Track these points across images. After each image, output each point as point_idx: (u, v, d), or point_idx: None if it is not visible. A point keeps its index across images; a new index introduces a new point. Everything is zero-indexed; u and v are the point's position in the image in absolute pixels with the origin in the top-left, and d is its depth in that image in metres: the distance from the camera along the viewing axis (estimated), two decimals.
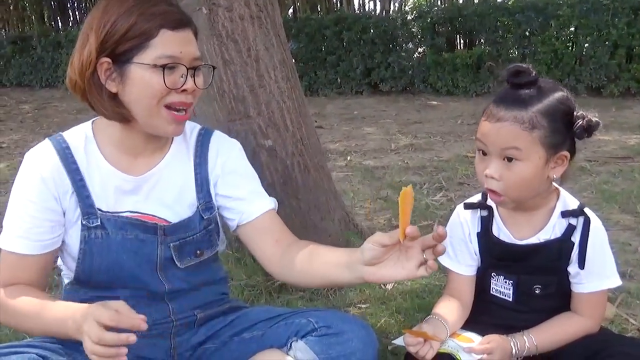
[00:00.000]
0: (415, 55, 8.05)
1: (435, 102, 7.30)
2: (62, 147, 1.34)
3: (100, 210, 1.34)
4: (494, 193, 1.35)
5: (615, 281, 1.42)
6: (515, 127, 1.28)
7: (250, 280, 2.24)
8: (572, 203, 1.43)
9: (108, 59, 1.24)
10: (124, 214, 1.36)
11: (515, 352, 1.37)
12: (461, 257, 1.52)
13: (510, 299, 1.47)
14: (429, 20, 7.76)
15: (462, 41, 8.16)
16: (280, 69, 2.19)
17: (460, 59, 7.40)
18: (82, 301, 1.29)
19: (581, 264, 1.37)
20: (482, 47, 7.55)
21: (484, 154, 1.36)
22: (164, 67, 1.23)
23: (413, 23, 7.85)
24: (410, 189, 1.17)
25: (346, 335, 1.32)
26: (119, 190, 1.36)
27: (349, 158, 4.63)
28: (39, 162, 1.32)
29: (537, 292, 1.44)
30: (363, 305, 2.15)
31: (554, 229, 1.42)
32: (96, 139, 1.37)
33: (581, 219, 1.39)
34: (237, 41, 2.09)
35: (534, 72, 1.32)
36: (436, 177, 3.90)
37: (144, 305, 1.35)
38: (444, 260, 1.52)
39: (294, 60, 2.35)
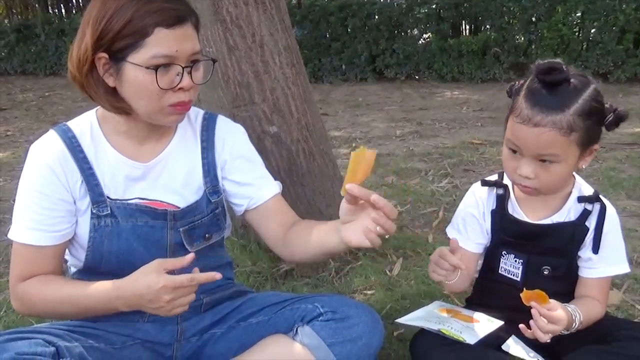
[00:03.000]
0: (420, 42, 7.99)
1: (440, 89, 7.26)
2: (69, 137, 1.33)
3: (109, 198, 1.34)
4: (527, 188, 1.36)
5: (625, 267, 1.43)
6: (554, 132, 1.26)
7: (256, 266, 2.24)
8: (588, 190, 1.44)
9: (105, 55, 1.22)
10: (133, 201, 1.36)
11: (578, 323, 1.32)
12: (472, 234, 1.53)
13: (518, 279, 1.47)
14: (434, 6, 7.70)
15: (467, 27, 8.11)
16: (285, 55, 2.17)
17: (465, 45, 7.35)
18: None
19: (595, 248, 1.38)
20: (488, 32, 7.50)
21: (514, 151, 1.34)
22: (156, 68, 1.21)
23: (418, 9, 7.79)
24: (369, 153, 1.14)
25: (352, 320, 1.33)
26: (128, 178, 1.36)
27: (354, 145, 4.61)
28: (46, 152, 1.31)
29: (545, 273, 1.44)
30: (369, 292, 2.15)
31: (569, 212, 1.42)
32: (102, 128, 1.37)
33: (597, 205, 1.40)
34: (242, 27, 2.07)
35: (565, 68, 1.28)
36: (441, 163, 3.89)
37: None
38: (452, 233, 1.54)
39: (298, 47, 2.33)
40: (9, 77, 10.87)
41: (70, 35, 10.02)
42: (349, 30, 8.12)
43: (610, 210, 1.41)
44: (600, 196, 1.42)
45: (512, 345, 1.39)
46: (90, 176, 1.32)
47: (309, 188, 2.29)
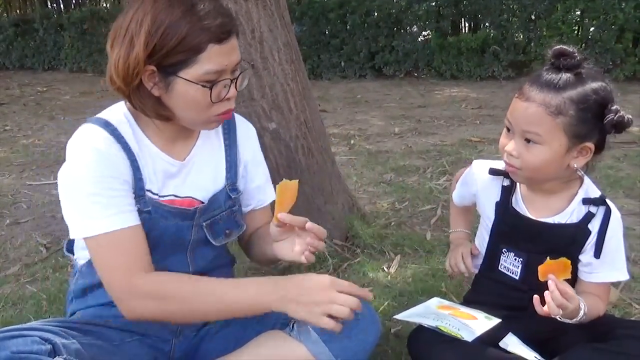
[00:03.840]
0: (419, 39, 7.98)
1: (439, 86, 7.25)
2: (111, 129, 1.29)
3: (150, 192, 1.33)
4: (510, 166, 1.38)
5: (624, 275, 1.42)
6: (541, 109, 1.27)
7: (254, 263, 2.24)
8: (595, 192, 1.43)
9: (153, 67, 1.21)
10: (167, 199, 1.36)
11: (583, 313, 1.31)
12: (460, 190, 1.69)
13: (517, 277, 1.48)
14: (433, 4, 7.69)
15: (466, 25, 8.10)
16: (285, 52, 2.17)
17: (464, 42, 7.34)
18: (98, 283, 1.32)
19: (597, 253, 1.37)
20: (487, 30, 7.49)
21: (509, 130, 1.37)
22: (211, 86, 1.22)
23: (417, 6, 7.78)
24: (293, 184, 1.33)
25: None
26: (165, 174, 1.37)
27: (352, 142, 4.61)
28: (92, 140, 1.25)
29: None
30: (366, 288, 2.14)
31: (572, 214, 1.42)
32: (138, 122, 1.35)
33: (602, 209, 1.39)
34: (241, 23, 2.07)
35: (578, 57, 1.28)
36: (440, 161, 3.89)
37: None
38: (454, 193, 1.71)
39: (297, 43, 2.33)
40: (7, 72, 10.86)
41: (68, 30, 10.02)
42: (348, 27, 8.11)
43: (615, 214, 1.40)
44: (607, 200, 1.41)
45: (510, 343, 1.39)
46: (136, 169, 1.30)
47: (308, 185, 2.29)
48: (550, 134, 1.29)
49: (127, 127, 1.32)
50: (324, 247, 1.36)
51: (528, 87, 1.32)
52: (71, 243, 1.48)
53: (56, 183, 3.80)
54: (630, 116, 1.29)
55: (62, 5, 11.68)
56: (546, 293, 1.25)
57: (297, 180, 1.33)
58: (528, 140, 1.32)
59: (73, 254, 1.47)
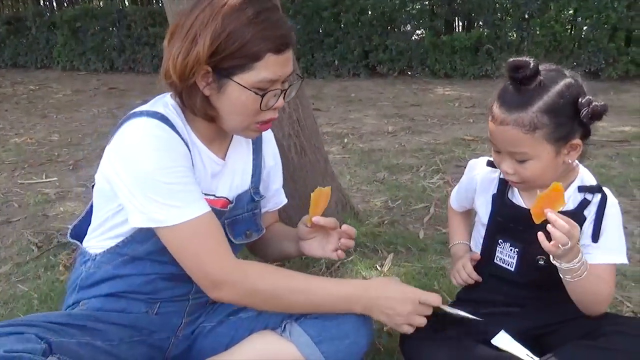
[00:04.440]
0: (413, 38, 7.99)
1: (432, 85, 7.26)
2: (169, 124, 1.27)
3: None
4: (513, 182, 1.40)
5: (622, 258, 1.41)
6: (517, 131, 1.29)
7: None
8: (591, 180, 1.44)
9: (209, 68, 1.22)
10: (208, 198, 1.35)
11: (582, 257, 1.29)
12: (458, 198, 1.69)
13: (513, 269, 1.48)
14: (427, 2, 7.69)
15: (460, 23, 8.11)
16: None
17: (458, 41, 7.35)
18: (113, 276, 1.34)
19: (595, 237, 1.37)
20: (481, 29, 7.50)
21: (497, 150, 1.39)
22: (263, 93, 1.24)
23: (411, 5, 7.78)
24: (327, 190, 1.46)
25: (340, 318, 1.33)
26: (212, 173, 1.38)
27: (345, 140, 4.61)
28: (156, 132, 1.24)
29: (540, 263, 1.44)
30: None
31: (567, 201, 1.41)
32: (185, 118, 1.34)
33: (598, 195, 1.40)
34: None
35: (532, 64, 1.28)
36: (433, 159, 3.89)
37: (173, 281, 1.37)
38: (452, 194, 1.72)
39: None
40: (0, 70, 10.79)
41: (61, 28, 9.95)
42: (342, 25, 8.09)
43: (612, 200, 1.41)
44: (603, 187, 1.42)
45: (502, 340, 1.40)
46: (191, 164, 1.31)
47: (300, 183, 2.28)
48: (535, 148, 1.30)
49: (179, 122, 1.31)
50: (353, 244, 1.49)
51: (497, 110, 1.33)
52: (80, 229, 1.47)
53: (48, 182, 3.76)
54: (603, 102, 1.28)
55: (54, 3, 11.61)
56: (549, 226, 1.23)
57: (330, 187, 1.47)
58: (519, 161, 1.34)
59: (80, 241, 1.45)
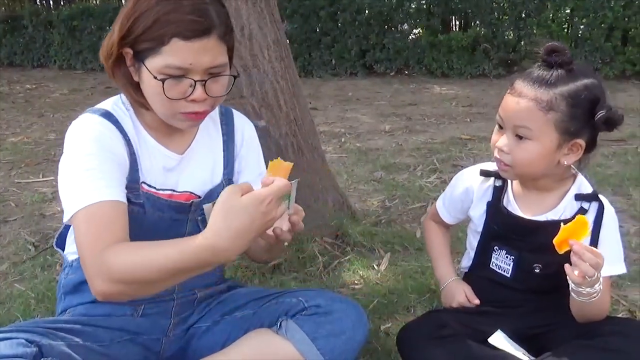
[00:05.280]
0: (410, 37, 7.99)
1: (430, 84, 7.27)
2: (113, 119, 1.28)
3: (146, 184, 1.32)
4: (501, 162, 1.38)
5: (621, 268, 1.41)
6: (533, 105, 1.28)
7: (244, 260, 2.24)
8: (587, 188, 1.43)
9: (131, 51, 1.22)
10: (165, 193, 1.35)
11: (600, 281, 1.27)
12: (453, 211, 1.63)
13: (509, 275, 1.48)
14: (424, 1, 7.70)
15: (457, 23, 8.12)
16: (274, 49, 2.17)
17: (455, 40, 7.36)
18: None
19: (593, 246, 1.34)
20: (478, 28, 7.51)
21: (501, 127, 1.37)
22: (164, 80, 1.18)
23: (408, 4, 7.78)
24: (287, 165, 1.22)
25: (336, 315, 1.33)
26: (165, 168, 1.36)
27: (342, 140, 4.61)
28: (94, 125, 1.25)
29: (536, 270, 1.44)
30: (356, 286, 2.15)
31: (564, 210, 1.42)
32: (136, 115, 1.34)
33: (595, 204, 1.40)
34: (230, 20, 2.06)
35: (569, 54, 1.29)
36: (430, 159, 3.89)
37: None
38: (439, 201, 1.66)
39: (288, 41, 2.32)
40: None
41: (58, 27, 9.94)
42: (339, 24, 8.10)
43: (608, 209, 1.40)
44: (600, 196, 1.41)
45: (499, 339, 1.40)
46: (134, 161, 1.29)
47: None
48: (541, 130, 1.29)
49: (127, 118, 1.31)
50: (302, 228, 1.26)
51: (520, 83, 1.33)
52: (62, 237, 1.47)
53: (45, 181, 3.75)
54: (621, 113, 1.29)
55: (51, 2, 11.59)
56: (574, 258, 1.22)
57: (292, 164, 1.25)
58: (519, 137, 1.32)
59: (63, 250, 1.45)
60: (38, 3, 11.69)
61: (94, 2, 11.26)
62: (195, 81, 1.20)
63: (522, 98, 1.30)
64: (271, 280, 2.19)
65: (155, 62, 1.19)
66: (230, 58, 1.30)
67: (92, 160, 1.21)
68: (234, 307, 1.46)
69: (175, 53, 1.17)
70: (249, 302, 1.46)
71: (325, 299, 1.38)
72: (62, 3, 11.33)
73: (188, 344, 1.46)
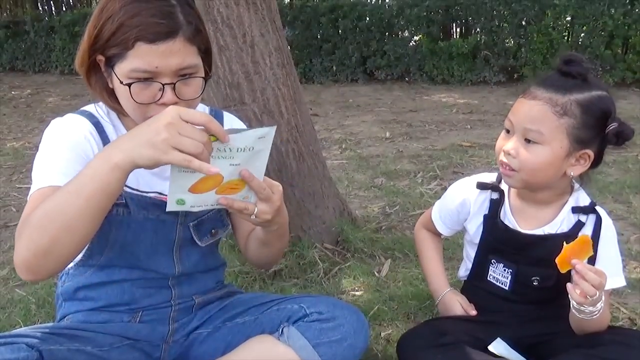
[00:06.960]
0: (411, 44, 8.01)
1: (430, 91, 7.28)
2: (94, 121, 1.31)
3: (128, 187, 1.31)
4: (506, 167, 1.36)
5: (620, 281, 1.41)
6: (547, 108, 1.28)
7: (244, 267, 2.24)
8: (585, 200, 1.43)
9: (102, 57, 1.22)
10: (151, 195, 1.34)
11: (602, 300, 1.27)
12: (449, 223, 1.62)
13: (507, 288, 1.48)
14: (424, 8, 7.72)
15: (458, 30, 8.14)
16: (276, 56, 2.17)
17: (456, 47, 7.37)
18: (87, 285, 1.32)
19: (591, 261, 1.33)
20: (478, 36, 7.53)
21: (508, 132, 1.37)
22: (130, 84, 1.17)
23: (409, 11, 7.81)
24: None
25: (337, 321, 1.33)
26: (147, 172, 1.33)
27: (343, 146, 4.62)
28: (74, 125, 1.28)
29: (534, 284, 1.44)
30: (357, 293, 2.15)
31: (561, 223, 1.41)
32: (120, 119, 1.35)
33: (592, 217, 1.39)
34: (232, 27, 2.07)
35: (585, 65, 1.30)
36: (431, 165, 3.90)
37: (149, 288, 1.38)
38: (434, 213, 1.65)
39: (289, 48, 2.33)
40: None
41: (59, 33, 9.96)
42: (340, 31, 8.12)
43: (606, 221, 1.40)
44: (597, 207, 1.40)
45: (498, 347, 1.40)
46: None
47: (298, 189, 2.29)
48: (553, 134, 1.29)
49: (109, 122, 1.33)
50: (276, 203, 1.25)
51: (534, 88, 1.33)
52: None
53: None
54: (632, 128, 1.29)
55: (53, 8, 11.63)
56: (576, 278, 1.22)
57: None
58: (528, 141, 1.31)
59: None
60: (40, 8, 11.73)
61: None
62: (163, 84, 1.19)
63: (536, 101, 1.30)
64: (272, 286, 2.19)
65: (122, 67, 1.19)
66: (205, 60, 1.27)
67: (57, 152, 1.23)
68: (235, 313, 1.46)
69: (141, 57, 1.16)
70: (250, 308, 1.46)
71: (327, 305, 1.37)
72: (64, 8, 11.36)
73: (189, 350, 1.46)
